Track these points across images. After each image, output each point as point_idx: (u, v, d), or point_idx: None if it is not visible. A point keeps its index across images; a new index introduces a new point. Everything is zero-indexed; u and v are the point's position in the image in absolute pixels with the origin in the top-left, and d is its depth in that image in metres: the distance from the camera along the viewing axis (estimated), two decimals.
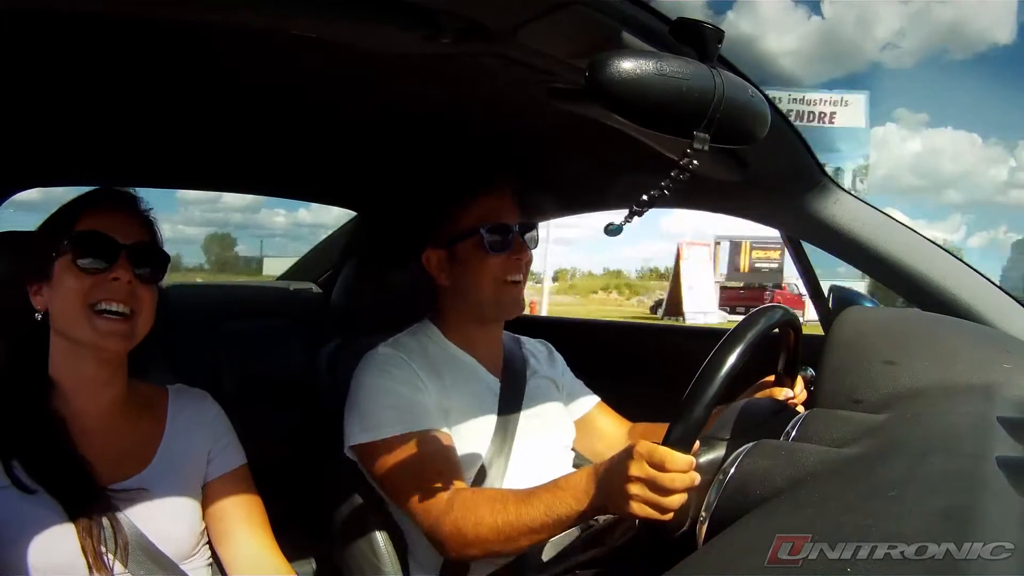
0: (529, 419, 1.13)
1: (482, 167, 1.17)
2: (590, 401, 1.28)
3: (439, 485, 0.94)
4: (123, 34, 0.84)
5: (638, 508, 0.77)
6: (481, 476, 1.06)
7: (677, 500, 0.75)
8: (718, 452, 0.79)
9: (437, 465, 0.98)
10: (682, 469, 0.75)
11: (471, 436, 1.07)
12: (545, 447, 1.14)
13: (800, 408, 1.02)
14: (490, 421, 1.10)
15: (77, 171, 1.46)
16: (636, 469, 0.77)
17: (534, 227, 1.14)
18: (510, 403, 1.13)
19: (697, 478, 0.75)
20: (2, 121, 1.11)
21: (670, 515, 0.76)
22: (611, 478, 0.81)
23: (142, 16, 0.69)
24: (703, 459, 0.78)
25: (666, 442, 0.76)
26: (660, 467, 0.75)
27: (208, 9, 0.63)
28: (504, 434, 1.09)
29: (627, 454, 0.79)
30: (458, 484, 0.96)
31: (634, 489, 0.77)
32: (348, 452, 1.07)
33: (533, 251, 1.15)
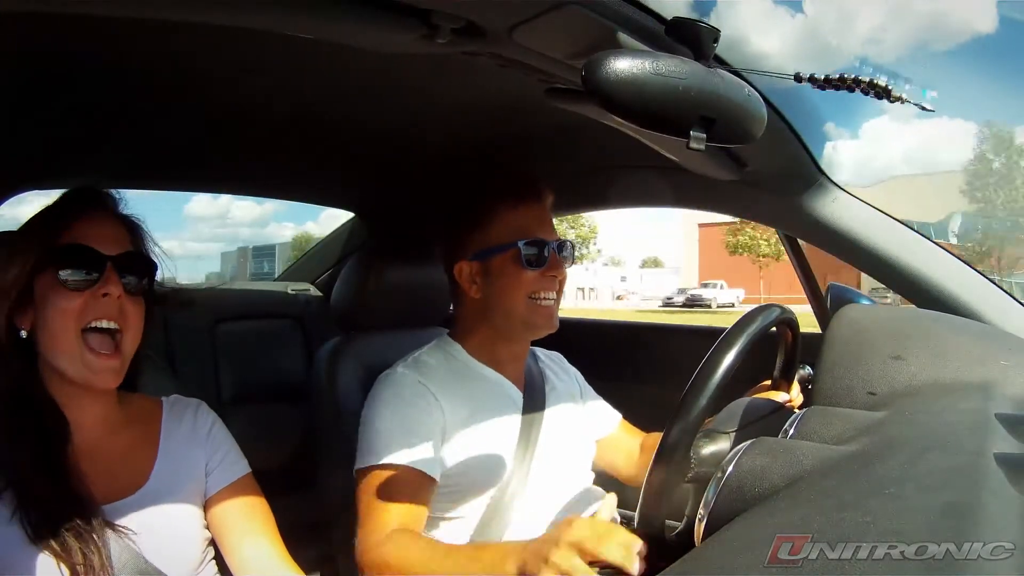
0: (550, 431, 1.12)
1: (524, 175, 1.13)
2: (614, 420, 1.27)
3: (392, 519, 0.94)
4: (123, 34, 0.84)
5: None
6: (504, 488, 1.05)
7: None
8: (722, 444, 0.78)
9: (401, 501, 0.97)
10: (622, 543, 0.72)
11: (494, 448, 1.06)
12: (567, 457, 1.13)
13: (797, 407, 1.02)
14: (513, 434, 1.09)
15: (77, 172, 1.45)
16: (569, 535, 0.74)
17: (570, 245, 1.12)
18: (532, 415, 1.12)
19: (632, 564, 0.71)
20: (2, 121, 1.11)
21: None
22: (541, 543, 0.78)
23: (142, 16, 0.69)
24: (707, 451, 0.78)
25: (663, 445, 0.75)
26: (596, 541, 0.72)
27: (208, 10, 0.63)
28: (526, 446, 1.08)
29: (564, 523, 0.77)
30: (409, 525, 0.95)
31: (557, 555, 0.73)
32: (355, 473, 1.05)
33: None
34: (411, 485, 0.98)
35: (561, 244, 1.10)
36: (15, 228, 0.85)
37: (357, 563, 0.94)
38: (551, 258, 1.08)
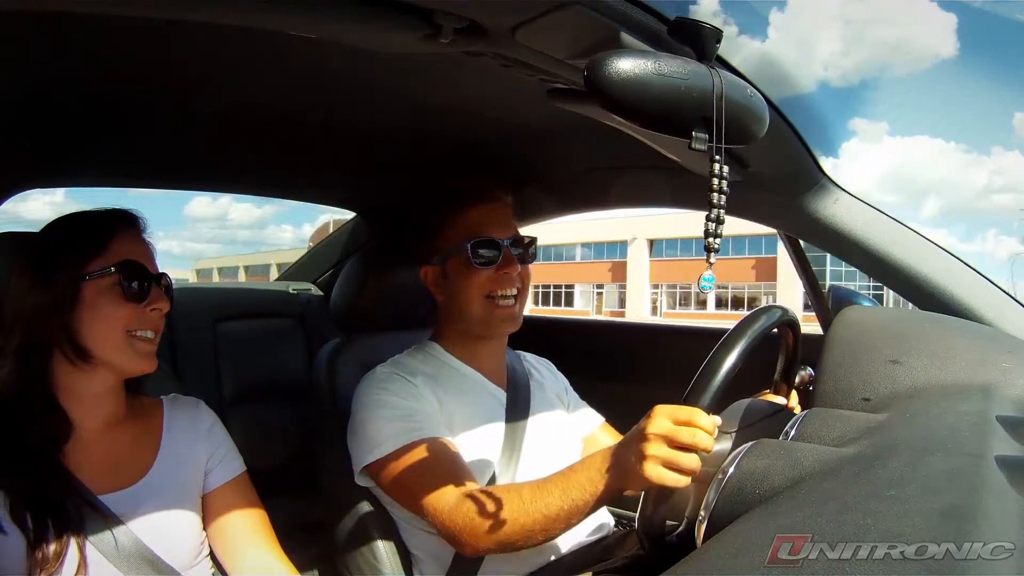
0: (536, 428, 1.13)
1: (474, 178, 1.15)
2: (594, 421, 1.27)
3: (449, 483, 0.94)
4: (123, 34, 0.84)
5: (653, 470, 0.73)
6: (491, 485, 1.04)
7: (695, 461, 0.72)
8: (724, 445, 0.78)
9: (444, 466, 0.97)
10: (704, 427, 0.73)
11: (480, 446, 1.06)
12: (554, 455, 1.13)
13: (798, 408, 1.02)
14: (498, 431, 1.09)
15: (77, 171, 1.46)
16: (655, 426, 0.74)
17: (529, 241, 1.12)
18: (517, 413, 1.12)
19: (713, 446, 0.73)
20: (2, 121, 1.11)
21: (687, 481, 0.73)
22: (628, 444, 0.78)
23: (142, 15, 0.69)
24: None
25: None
26: (683, 423, 0.73)
27: (208, 9, 0.63)
28: (513, 443, 1.09)
29: (647, 416, 0.77)
30: (469, 482, 0.96)
31: (651, 448, 0.73)
32: (360, 479, 1.05)
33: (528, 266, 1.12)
34: (440, 448, 0.99)
35: (517, 241, 1.10)
36: (16, 224, 0.87)
37: (443, 536, 0.93)
38: (504, 256, 1.08)
